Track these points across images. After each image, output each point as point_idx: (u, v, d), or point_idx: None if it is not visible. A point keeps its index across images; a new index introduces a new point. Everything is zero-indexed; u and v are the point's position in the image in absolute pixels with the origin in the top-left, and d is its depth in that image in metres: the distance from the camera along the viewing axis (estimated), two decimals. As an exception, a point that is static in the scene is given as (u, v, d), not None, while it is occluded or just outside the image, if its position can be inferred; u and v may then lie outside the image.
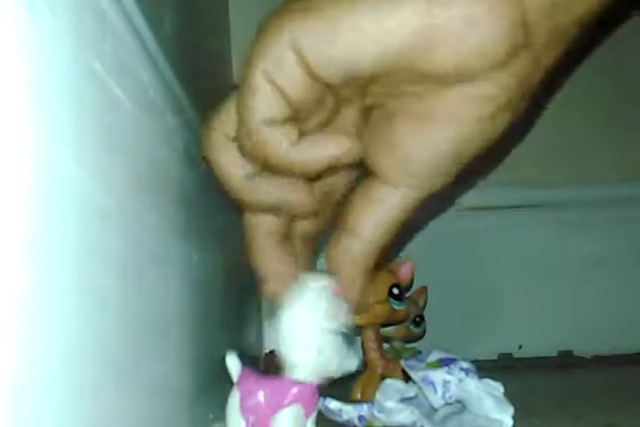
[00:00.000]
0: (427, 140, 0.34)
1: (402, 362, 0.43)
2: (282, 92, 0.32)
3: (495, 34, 0.31)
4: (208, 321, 0.41)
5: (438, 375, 0.40)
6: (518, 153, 0.74)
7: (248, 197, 0.36)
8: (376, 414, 0.41)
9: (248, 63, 0.33)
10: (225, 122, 0.35)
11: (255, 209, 0.37)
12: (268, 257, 0.38)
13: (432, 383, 0.40)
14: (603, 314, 0.72)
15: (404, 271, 0.59)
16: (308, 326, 0.33)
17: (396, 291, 0.57)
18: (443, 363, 0.41)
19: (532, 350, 0.72)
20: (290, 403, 0.32)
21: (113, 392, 0.23)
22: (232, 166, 0.36)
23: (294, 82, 0.32)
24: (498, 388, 0.40)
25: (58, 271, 0.19)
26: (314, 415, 0.33)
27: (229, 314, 0.37)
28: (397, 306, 0.57)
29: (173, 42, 0.40)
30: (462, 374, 0.40)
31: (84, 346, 0.21)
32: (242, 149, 0.35)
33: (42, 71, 0.19)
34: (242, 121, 0.34)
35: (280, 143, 0.33)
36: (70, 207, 0.20)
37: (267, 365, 0.64)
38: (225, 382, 0.35)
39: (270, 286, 0.38)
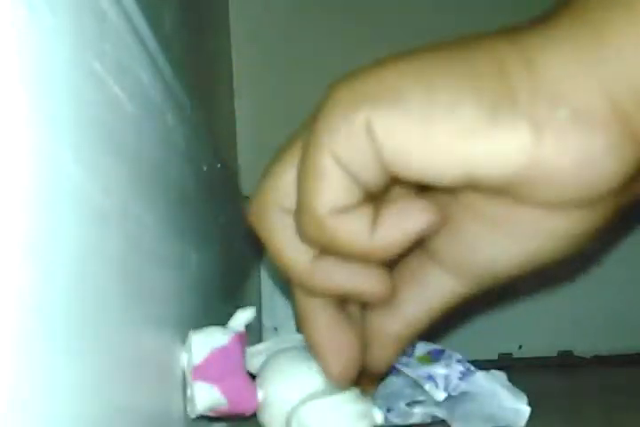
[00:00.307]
0: (494, 248, 0.31)
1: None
2: (355, 178, 0.28)
3: (610, 173, 0.27)
4: (207, 321, 0.41)
5: (437, 370, 0.40)
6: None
7: (313, 285, 0.31)
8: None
9: (313, 141, 0.28)
10: (280, 190, 0.30)
11: (320, 296, 0.32)
12: (327, 332, 0.32)
13: (433, 378, 0.40)
14: (603, 314, 0.72)
15: None
16: None
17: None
18: (433, 355, 0.41)
19: (531, 350, 0.72)
20: None
21: (113, 393, 0.23)
22: (294, 250, 0.30)
23: (368, 169, 0.28)
24: (503, 377, 0.41)
25: (58, 271, 0.19)
26: None
27: (229, 314, 0.37)
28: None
29: (173, 42, 0.40)
30: (461, 367, 0.40)
31: (83, 346, 0.21)
32: (302, 236, 0.30)
33: (42, 71, 0.19)
34: (303, 206, 0.29)
35: (356, 231, 0.28)
36: (70, 207, 0.20)
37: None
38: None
39: (334, 368, 0.32)
